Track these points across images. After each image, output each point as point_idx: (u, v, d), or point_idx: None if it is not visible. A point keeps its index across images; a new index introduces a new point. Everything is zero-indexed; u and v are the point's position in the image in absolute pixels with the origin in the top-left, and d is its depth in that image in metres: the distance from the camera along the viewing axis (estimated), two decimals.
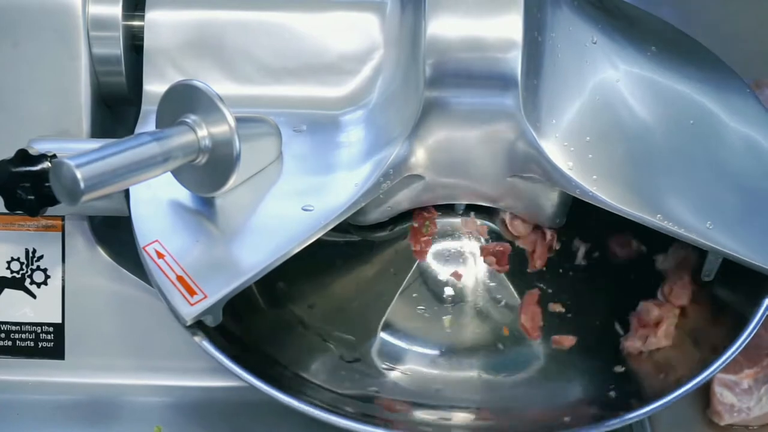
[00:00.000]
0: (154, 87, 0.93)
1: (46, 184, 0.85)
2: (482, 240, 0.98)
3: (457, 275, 0.97)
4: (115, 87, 0.96)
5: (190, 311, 0.81)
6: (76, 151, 0.75)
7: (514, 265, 0.98)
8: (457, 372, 0.92)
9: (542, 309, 0.95)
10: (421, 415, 0.88)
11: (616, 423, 0.83)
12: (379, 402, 0.89)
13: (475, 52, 0.84)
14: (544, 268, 0.97)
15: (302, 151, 0.91)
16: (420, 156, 0.87)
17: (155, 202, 0.86)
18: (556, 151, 0.87)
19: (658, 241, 0.93)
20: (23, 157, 0.87)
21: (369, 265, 0.97)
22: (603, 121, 0.90)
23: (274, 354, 0.89)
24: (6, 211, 0.88)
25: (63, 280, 0.99)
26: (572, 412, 0.88)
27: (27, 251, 0.98)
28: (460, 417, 0.89)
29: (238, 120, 0.82)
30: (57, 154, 0.87)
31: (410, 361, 0.93)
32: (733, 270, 0.88)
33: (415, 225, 0.96)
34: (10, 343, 1.00)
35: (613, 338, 0.93)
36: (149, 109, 0.92)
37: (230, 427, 0.99)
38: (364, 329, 0.94)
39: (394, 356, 0.93)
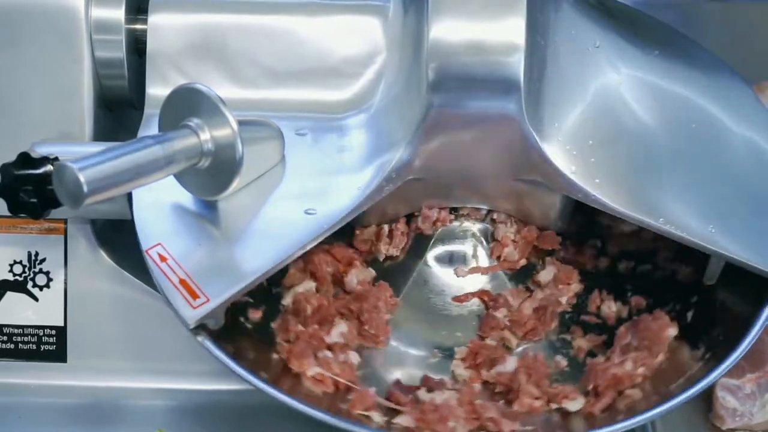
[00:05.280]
0: (157, 90, 0.93)
1: (49, 187, 0.86)
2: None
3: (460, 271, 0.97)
4: (117, 90, 0.96)
5: (192, 314, 0.81)
6: (79, 155, 0.75)
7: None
8: None
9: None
10: None
11: (618, 427, 0.83)
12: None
13: (478, 55, 0.84)
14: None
15: (305, 155, 0.91)
16: (422, 159, 0.87)
17: (158, 206, 0.86)
18: (558, 154, 0.87)
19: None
20: (25, 160, 0.87)
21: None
22: (605, 124, 0.90)
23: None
24: (8, 214, 0.88)
25: (65, 283, 0.99)
26: (575, 414, 0.88)
27: (29, 254, 0.98)
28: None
29: (241, 123, 0.82)
30: (59, 157, 0.87)
31: (413, 365, 0.93)
32: (735, 274, 0.88)
33: None
34: (12, 345, 1.00)
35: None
36: (152, 112, 0.92)
37: (233, 430, 0.99)
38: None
39: (397, 360, 0.93)
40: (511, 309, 0.94)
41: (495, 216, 0.97)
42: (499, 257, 0.97)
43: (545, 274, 0.96)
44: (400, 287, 0.96)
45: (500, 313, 0.94)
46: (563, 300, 0.95)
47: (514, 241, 0.96)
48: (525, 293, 0.96)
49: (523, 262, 0.97)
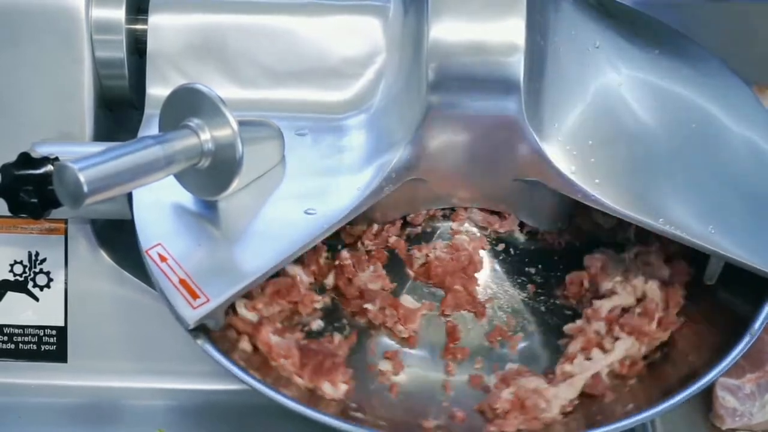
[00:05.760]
0: (157, 90, 0.93)
1: (49, 188, 0.86)
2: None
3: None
4: (118, 90, 0.96)
5: (192, 315, 0.81)
6: (79, 155, 0.75)
7: (515, 267, 0.98)
8: (457, 377, 0.92)
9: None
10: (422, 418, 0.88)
11: (618, 426, 0.83)
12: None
13: (478, 56, 0.84)
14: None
15: (305, 155, 0.91)
16: (422, 160, 0.87)
17: (158, 206, 0.87)
18: (558, 154, 0.87)
19: None
20: (26, 160, 0.87)
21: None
22: (605, 125, 0.91)
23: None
24: (9, 215, 0.88)
25: (66, 283, 0.99)
26: (573, 414, 0.88)
27: (30, 254, 0.98)
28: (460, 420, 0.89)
29: (241, 123, 0.82)
30: (60, 158, 0.87)
31: (412, 365, 0.93)
32: (735, 273, 0.88)
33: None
34: (12, 346, 1.00)
35: None
36: (152, 112, 0.92)
37: (233, 430, 0.99)
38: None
39: (396, 360, 0.93)
40: None
41: (463, 228, 0.97)
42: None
43: None
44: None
45: None
46: None
47: (426, 258, 0.96)
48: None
49: (411, 274, 0.97)
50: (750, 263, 0.86)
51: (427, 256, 0.96)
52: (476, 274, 0.96)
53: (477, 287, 0.96)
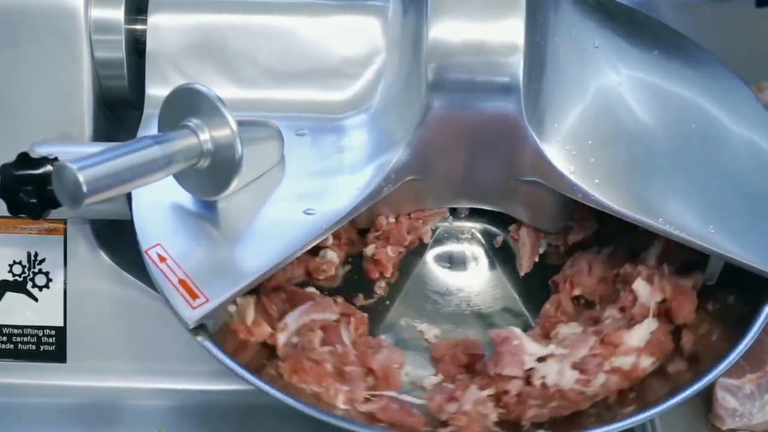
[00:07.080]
0: (157, 90, 0.93)
1: (49, 188, 0.86)
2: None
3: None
4: (117, 90, 0.96)
5: (192, 315, 0.81)
6: (79, 155, 0.75)
7: (515, 269, 0.98)
8: None
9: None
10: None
11: (617, 426, 0.83)
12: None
13: (477, 56, 0.84)
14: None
15: (304, 155, 0.91)
16: (422, 160, 0.87)
17: (157, 206, 0.87)
18: (558, 155, 0.87)
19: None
20: (25, 160, 0.87)
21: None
22: (605, 125, 0.91)
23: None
24: (8, 215, 0.88)
25: (65, 284, 0.99)
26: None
27: (29, 254, 0.98)
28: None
29: (240, 123, 0.82)
30: (59, 158, 0.87)
31: (411, 365, 0.93)
32: (735, 273, 0.88)
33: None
34: (11, 346, 1.00)
35: None
36: (151, 112, 0.92)
37: (233, 430, 0.99)
38: None
39: None
40: None
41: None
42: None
43: None
44: (401, 286, 0.97)
45: None
46: None
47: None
48: None
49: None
50: (750, 263, 0.86)
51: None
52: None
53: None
